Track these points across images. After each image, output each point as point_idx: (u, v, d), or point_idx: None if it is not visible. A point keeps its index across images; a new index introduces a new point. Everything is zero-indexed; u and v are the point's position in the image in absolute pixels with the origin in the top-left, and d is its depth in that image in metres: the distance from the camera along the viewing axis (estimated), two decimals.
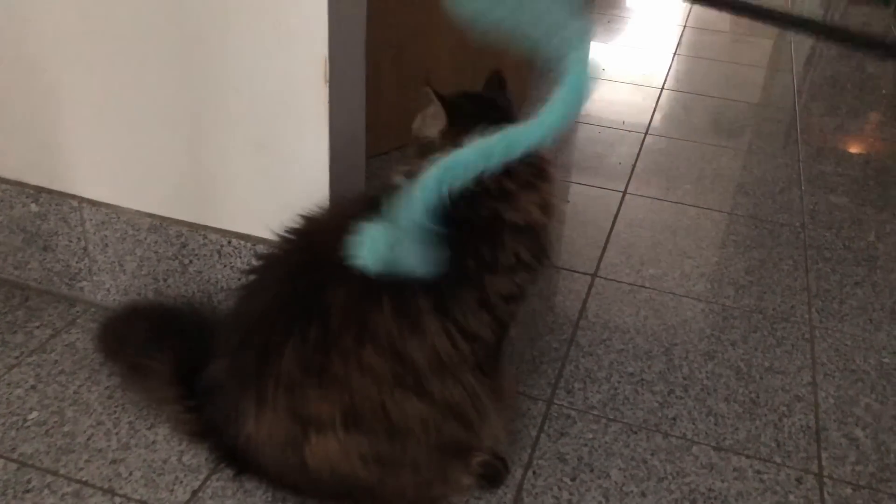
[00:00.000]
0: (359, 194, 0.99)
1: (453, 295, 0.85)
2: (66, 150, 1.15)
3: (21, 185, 1.20)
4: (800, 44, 3.09)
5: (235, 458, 0.94)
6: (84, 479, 0.96)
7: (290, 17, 0.94)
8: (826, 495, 1.02)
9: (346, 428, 0.84)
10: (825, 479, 1.05)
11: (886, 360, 1.29)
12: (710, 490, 1.01)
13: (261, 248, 1.09)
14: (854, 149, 2.18)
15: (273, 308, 0.87)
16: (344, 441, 0.84)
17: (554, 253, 0.94)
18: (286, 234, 0.92)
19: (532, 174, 0.89)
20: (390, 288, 0.83)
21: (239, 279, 1.12)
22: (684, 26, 3.17)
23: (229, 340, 0.91)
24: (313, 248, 0.90)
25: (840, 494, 1.02)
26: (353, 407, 0.83)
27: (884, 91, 2.69)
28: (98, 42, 1.05)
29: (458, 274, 0.85)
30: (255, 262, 0.96)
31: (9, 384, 1.09)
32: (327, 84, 0.97)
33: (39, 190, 1.19)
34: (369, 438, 0.84)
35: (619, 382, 1.19)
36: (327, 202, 0.97)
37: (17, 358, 1.14)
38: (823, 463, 1.07)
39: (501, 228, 0.87)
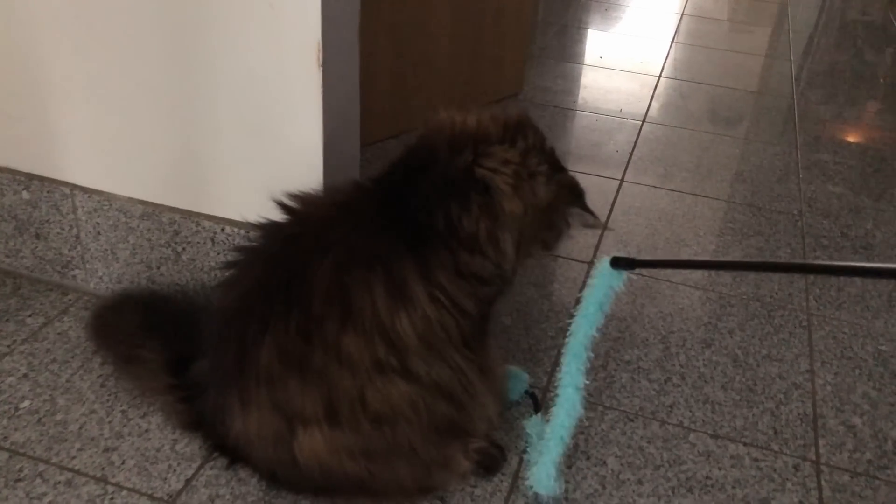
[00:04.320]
0: (337, 184, 0.96)
1: (435, 257, 0.83)
2: (57, 136, 1.14)
3: (12, 173, 1.19)
4: (798, 33, 3.08)
5: (228, 449, 0.93)
6: (76, 467, 0.95)
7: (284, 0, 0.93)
8: (823, 482, 1.02)
9: (329, 422, 0.82)
10: (822, 467, 1.04)
11: (884, 348, 1.28)
12: (707, 478, 1.01)
13: (255, 236, 1.08)
14: (852, 137, 2.18)
15: (249, 300, 0.85)
16: (329, 436, 0.82)
17: (515, 267, 0.91)
18: (262, 227, 0.90)
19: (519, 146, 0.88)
20: (378, 256, 0.82)
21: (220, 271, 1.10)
22: (682, 14, 3.15)
23: (209, 339, 0.89)
24: (293, 235, 0.88)
25: (837, 482, 1.02)
26: (331, 401, 0.81)
27: (882, 80, 2.68)
28: (89, 26, 1.03)
29: (431, 231, 0.84)
30: (231, 257, 0.94)
31: (0, 372, 1.08)
32: (321, 68, 0.96)
33: (31, 177, 1.18)
34: (353, 432, 0.82)
35: (615, 370, 1.18)
36: (314, 190, 0.96)
37: (9, 346, 1.13)
38: (821, 450, 1.07)
39: (471, 185, 0.85)
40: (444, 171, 0.86)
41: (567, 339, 0.87)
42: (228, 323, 0.86)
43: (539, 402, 1.09)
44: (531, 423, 1.01)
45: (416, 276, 0.82)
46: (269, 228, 0.89)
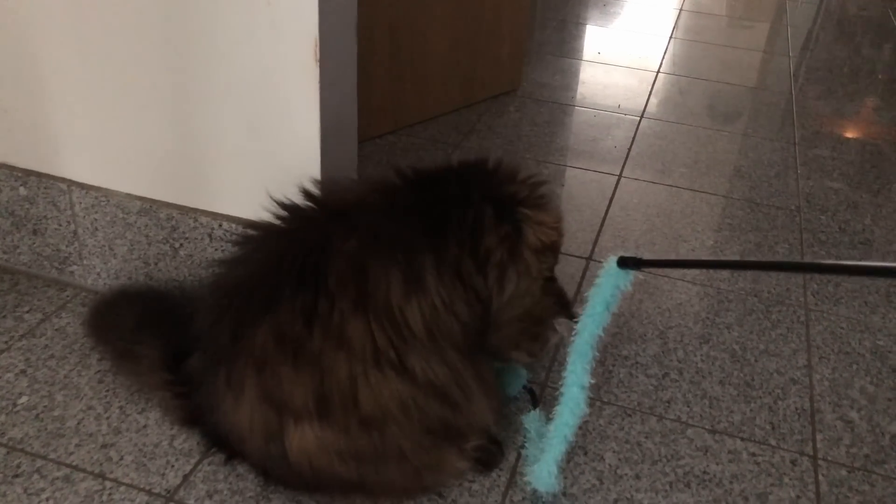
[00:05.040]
0: (367, 177, 0.97)
1: (448, 252, 0.84)
2: (54, 132, 1.14)
3: (9, 169, 1.18)
4: (796, 28, 3.08)
5: (226, 443, 0.93)
6: (74, 463, 0.95)
7: None
8: (821, 477, 1.02)
9: (319, 417, 0.80)
10: (820, 462, 1.04)
11: (881, 343, 1.29)
12: (704, 473, 1.01)
13: (274, 215, 1.06)
14: (850, 133, 2.18)
15: (256, 277, 0.84)
16: (319, 434, 0.81)
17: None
18: (284, 206, 0.89)
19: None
20: (402, 243, 0.83)
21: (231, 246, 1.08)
22: (681, 9, 3.15)
23: (207, 316, 0.88)
24: (314, 217, 0.87)
25: (835, 476, 1.02)
26: (323, 393, 0.80)
27: (880, 75, 2.68)
28: (85, 22, 1.03)
29: (457, 228, 0.85)
30: (247, 232, 0.92)
31: None
32: (318, 64, 0.96)
33: (28, 173, 1.18)
34: (343, 433, 0.81)
35: (613, 365, 1.19)
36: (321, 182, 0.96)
37: (6, 342, 1.13)
38: (818, 445, 1.07)
39: (509, 215, 0.88)
40: (499, 186, 0.90)
41: (573, 338, 0.87)
42: (230, 299, 0.85)
43: (537, 397, 1.10)
44: (529, 419, 1.01)
45: (432, 268, 0.83)
46: (289, 209, 0.89)
